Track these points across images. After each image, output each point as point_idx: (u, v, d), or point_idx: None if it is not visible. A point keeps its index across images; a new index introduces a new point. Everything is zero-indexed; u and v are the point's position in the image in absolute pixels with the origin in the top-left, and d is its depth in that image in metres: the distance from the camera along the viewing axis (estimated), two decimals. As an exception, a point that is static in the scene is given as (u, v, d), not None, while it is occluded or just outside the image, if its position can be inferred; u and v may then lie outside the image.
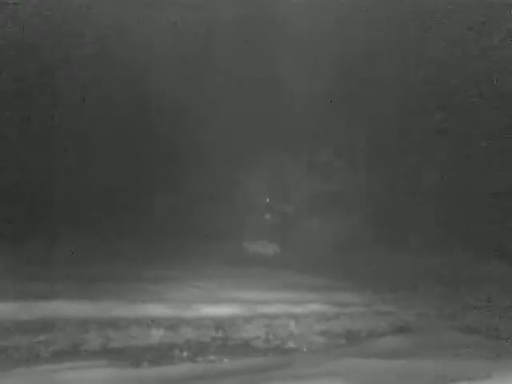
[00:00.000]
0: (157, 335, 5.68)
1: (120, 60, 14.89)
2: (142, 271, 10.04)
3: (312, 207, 17.13)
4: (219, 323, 6.34)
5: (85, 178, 14.77)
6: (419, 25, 14.36)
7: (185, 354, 5.05)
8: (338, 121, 16.64)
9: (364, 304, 7.99)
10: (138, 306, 6.72)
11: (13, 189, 13.37)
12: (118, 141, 15.37)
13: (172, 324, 6.14)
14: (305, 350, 5.44)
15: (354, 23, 14.74)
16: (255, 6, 15.30)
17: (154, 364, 4.61)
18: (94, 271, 9.73)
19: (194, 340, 5.60)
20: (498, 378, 3.85)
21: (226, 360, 4.84)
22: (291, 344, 5.63)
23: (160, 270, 10.43)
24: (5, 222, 12.11)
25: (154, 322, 6.19)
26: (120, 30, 14.39)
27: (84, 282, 8.25)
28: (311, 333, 6.13)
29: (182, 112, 16.18)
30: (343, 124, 16.84)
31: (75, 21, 13.91)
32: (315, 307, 7.50)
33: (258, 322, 6.50)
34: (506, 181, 13.44)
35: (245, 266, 12.24)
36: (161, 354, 4.97)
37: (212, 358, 4.94)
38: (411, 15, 14.24)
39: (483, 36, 13.27)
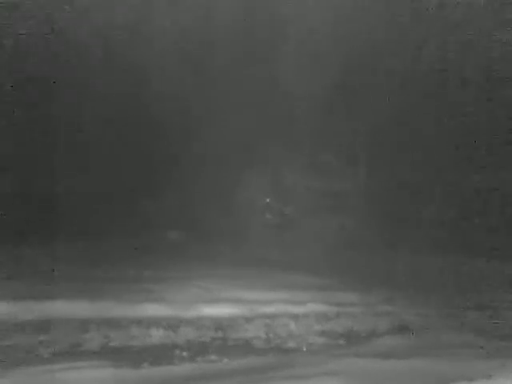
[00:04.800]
0: (157, 335, 5.67)
1: (121, 60, 14.89)
2: (142, 271, 10.03)
3: (312, 207, 17.13)
4: (219, 323, 6.34)
5: (84, 177, 14.78)
6: (420, 24, 14.36)
7: (185, 354, 5.04)
8: (339, 120, 16.64)
9: (364, 304, 7.98)
10: (138, 306, 6.71)
11: (11, 190, 13.38)
12: (117, 142, 15.37)
13: (172, 324, 6.14)
14: (305, 349, 5.44)
15: (355, 22, 14.74)
16: (255, 5, 15.30)
17: (154, 364, 4.61)
18: (94, 271, 9.72)
19: (194, 340, 5.60)
20: (498, 377, 3.85)
21: (226, 360, 4.83)
22: (291, 344, 5.62)
23: (160, 270, 10.41)
24: (4, 223, 12.11)
25: (154, 322, 6.18)
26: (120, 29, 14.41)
27: (84, 282, 8.24)
28: (311, 333, 6.13)
29: (182, 112, 16.18)
30: (343, 124, 16.84)
31: (75, 21, 13.91)
32: (315, 307, 7.48)
33: (258, 322, 6.50)
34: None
35: (245, 266, 12.22)
36: (161, 354, 4.97)
37: (212, 357, 4.93)
38: (412, 14, 14.25)
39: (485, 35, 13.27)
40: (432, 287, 9.84)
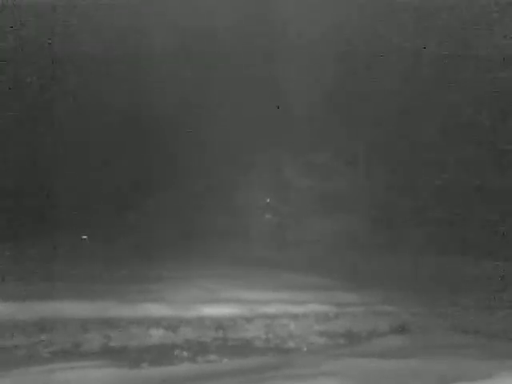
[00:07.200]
0: (157, 335, 5.67)
1: (121, 60, 14.89)
2: (142, 271, 10.03)
3: (312, 207, 17.13)
4: (219, 323, 6.34)
5: (84, 177, 14.78)
6: (420, 25, 14.36)
7: (185, 353, 5.04)
8: (338, 121, 16.65)
9: (364, 304, 7.98)
10: (138, 306, 6.71)
11: (12, 188, 13.38)
12: (117, 141, 15.37)
13: (172, 324, 6.14)
14: (305, 349, 5.44)
15: (354, 22, 14.74)
16: (255, 6, 15.30)
17: (154, 364, 4.61)
18: (95, 271, 9.72)
19: (194, 340, 5.60)
20: (498, 378, 3.85)
21: (225, 360, 4.83)
22: (291, 344, 5.63)
23: (160, 270, 10.41)
24: (4, 223, 12.11)
25: (154, 322, 6.18)
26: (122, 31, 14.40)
27: (84, 282, 8.24)
28: (311, 333, 6.13)
29: (182, 112, 16.18)
30: (343, 124, 16.84)
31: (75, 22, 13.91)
32: (315, 307, 7.49)
33: (258, 322, 6.50)
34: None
35: (245, 266, 12.21)
36: (161, 354, 4.97)
37: (212, 357, 4.93)
38: (412, 14, 14.25)
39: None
40: (432, 287, 9.84)
